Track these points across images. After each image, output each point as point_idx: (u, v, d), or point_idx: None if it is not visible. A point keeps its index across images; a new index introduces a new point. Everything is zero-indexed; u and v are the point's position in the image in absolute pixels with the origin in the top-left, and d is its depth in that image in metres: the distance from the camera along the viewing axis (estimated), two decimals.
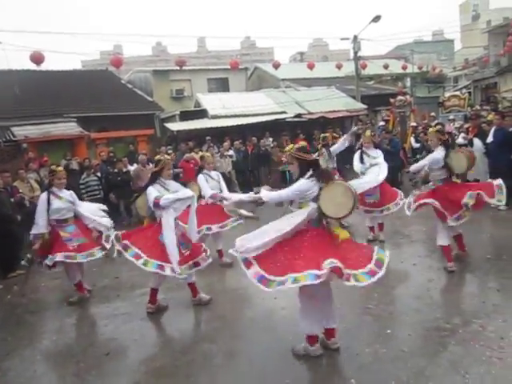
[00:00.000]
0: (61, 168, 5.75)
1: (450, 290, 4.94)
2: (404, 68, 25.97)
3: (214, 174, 6.61)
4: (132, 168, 10.92)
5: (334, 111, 18.61)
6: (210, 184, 6.41)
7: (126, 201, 10.48)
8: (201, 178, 6.32)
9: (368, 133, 7.17)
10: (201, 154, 7.03)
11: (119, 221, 10.59)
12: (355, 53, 20.80)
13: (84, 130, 14.72)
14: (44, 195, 5.50)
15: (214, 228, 6.29)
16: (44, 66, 17.49)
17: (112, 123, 16.53)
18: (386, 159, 10.87)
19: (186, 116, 17.55)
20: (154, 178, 4.82)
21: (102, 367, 3.97)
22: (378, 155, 6.86)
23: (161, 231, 4.66)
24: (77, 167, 10.99)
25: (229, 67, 18.72)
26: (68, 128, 14.50)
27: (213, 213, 6.38)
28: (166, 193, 4.71)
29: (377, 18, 18.86)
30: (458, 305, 4.56)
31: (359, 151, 7.00)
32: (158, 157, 5.13)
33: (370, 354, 3.74)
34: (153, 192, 4.67)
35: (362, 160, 6.87)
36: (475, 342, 3.77)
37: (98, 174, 10.51)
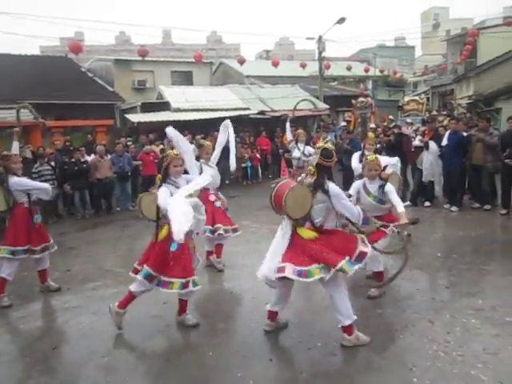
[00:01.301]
0: (15, 152, 5.39)
1: (401, 287, 5.07)
2: (366, 71, 26.54)
3: (211, 162, 5.97)
4: (89, 158, 10.61)
5: (298, 110, 18.72)
6: (210, 173, 5.63)
7: (81, 192, 10.18)
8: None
9: (372, 134, 6.94)
10: (201, 141, 6.51)
11: (73, 212, 10.29)
12: (320, 53, 21.08)
13: (39, 117, 14.10)
14: (15, 177, 5.11)
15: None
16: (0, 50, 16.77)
17: (70, 112, 15.96)
18: (346, 159, 11.22)
19: (147, 108, 17.17)
20: (164, 177, 4.17)
21: (49, 362, 3.81)
22: None
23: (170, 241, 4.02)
24: (30, 155, 10.54)
25: (193, 60, 18.49)
26: (22, 115, 13.83)
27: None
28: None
29: (341, 20, 19.20)
30: (409, 301, 4.69)
31: (360, 152, 6.50)
32: (165, 151, 4.51)
33: (321, 347, 3.79)
34: (162, 193, 3.99)
35: (361, 161, 6.33)
36: (423, 336, 3.89)
37: (52, 164, 10.12)
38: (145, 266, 4.09)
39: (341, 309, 3.75)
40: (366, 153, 6.33)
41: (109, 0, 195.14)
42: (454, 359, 3.52)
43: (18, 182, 5.09)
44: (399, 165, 6.03)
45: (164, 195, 3.93)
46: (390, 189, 4.73)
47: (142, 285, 4.11)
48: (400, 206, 4.57)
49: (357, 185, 4.98)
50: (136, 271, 4.20)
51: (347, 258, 3.62)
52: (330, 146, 3.94)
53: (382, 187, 4.77)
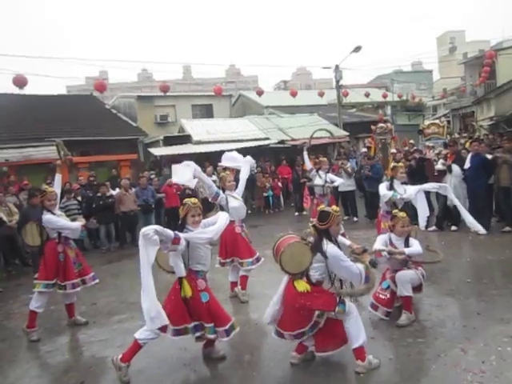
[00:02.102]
0: (51, 189, 5.45)
1: (431, 314, 4.93)
2: (384, 96, 26.64)
3: (236, 193, 6.03)
4: (114, 192, 10.83)
5: (317, 138, 18.83)
6: (236, 204, 5.92)
7: (107, 225, 10.36)
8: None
9: (401, 164, 6.81)
10: (221, 173, 6.51)
11: (99, 246, 10.44)
12: (337, 81, 21.28)
13: (68, 152, 14.56)
14: (48, 214, 5.21)
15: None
16: (28, 91, 17.54)
17: (95, 147, 16.47)
18: (368, 185, 11.17)
19: (169, 141, 17.57)
20: (182, 226, 4.06)
21: None
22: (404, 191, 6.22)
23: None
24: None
25: (213, 94, 18.93)
26: (49, 152, 14.33)
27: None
28: None
29: (357, 49, 19.44)
30: (439, 328, 4.54)
31: (388, 182, 6.48)
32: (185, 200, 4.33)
33: (350, 380, 3.68)
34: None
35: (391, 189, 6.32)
36: (457, 366, 3.75)
37: (79, 198, 10.38)
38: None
39: (351, 332, 3.78)
40: (396, 184, 6.32)
41: (131, 39, 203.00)
42: None
43: (48, 219, 5.19)
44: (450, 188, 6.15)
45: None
46: (415, 241, 4.93)
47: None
48: (408, 250, 4.79)
49: (383, 239, 5.03)
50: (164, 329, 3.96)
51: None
52: (327, 208, 4.01)
53: (407, 242, 4.93)
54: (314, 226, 3.97)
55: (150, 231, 3.59)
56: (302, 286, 3.81)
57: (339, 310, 3.75)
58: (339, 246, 3.91)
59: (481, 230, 6.02)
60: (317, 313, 3.81)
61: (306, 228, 9.98)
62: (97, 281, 5.66)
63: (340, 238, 4.20)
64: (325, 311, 3.80)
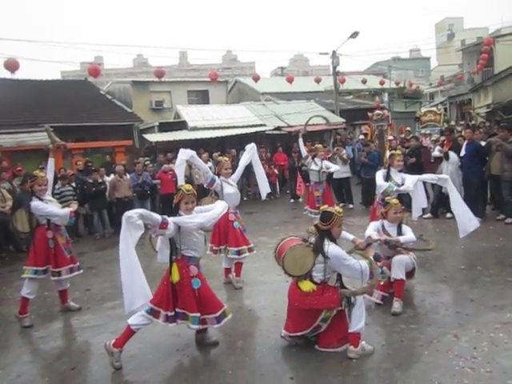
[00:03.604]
0: (42, 174, 5.35)
1: (424, 301, 4.94)
2: (382, 83, 26.46)
3: (231, 180, 5.97)
4: (108, 179, 10.75)
5: (314, 124, 18.75)
6: (230, 190, 5.87)
7: (99, 212, 10.30)
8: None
9: (399, 151, 6.69)
10: (219, 158, 6.43)
11: (93, 232, 10.39)
12: (334, 68, 21.12)
13: (60, 140, 14.44)
14: (36, 201, 5.12)
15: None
16: (23, 76, 17.32)
17: (89, 133, 16.34)
18: (364, 172, 11.13)
19: (165, 127, 17.44)
20: (175, 213, 4.02)
21: (68, 382, 3.80)
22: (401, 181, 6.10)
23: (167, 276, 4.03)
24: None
25: (209, 80, 18.74)
26: (43, 137, 14.15)
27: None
28: None
29: (355, 34, 19.29)
30: (432, 315, 4.55)
31: (385, 170, 6.42)
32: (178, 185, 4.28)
33: (344, 365, 3.69)
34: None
35: (387, 179, 6.21)
36: (449, 352, 3.76)
37: (73, 184, 10.30)
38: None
39: (353, 318, 3.79)
40: (392, 172, 6.26)
41: (126, 24, 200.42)
42: (481, 376, 3.38)
43: (35, 206, 5.11)
44: (450, 180, 5.83)
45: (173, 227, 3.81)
46: (408, 228, 4.97)
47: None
48: (403, 238, 4.81)
49: (375, 226, 5.02)
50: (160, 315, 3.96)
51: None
52: (330, 209, 3.93)
53: (399, 228, 4.95)
54: (316, 225, 3.94)
55: (134, 215, 3.54)
56: (306, 286, 3.82)
57: (345, 304, 3.79)
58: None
59: (471, 229, 5.61)
60: (321, 316, 3.82)
61: (300, 215, 10.06)
62: (81, 271, 5.58)
63: (343, 233, 4.19)
64: (332, 309, 3.81)
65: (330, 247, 3.76)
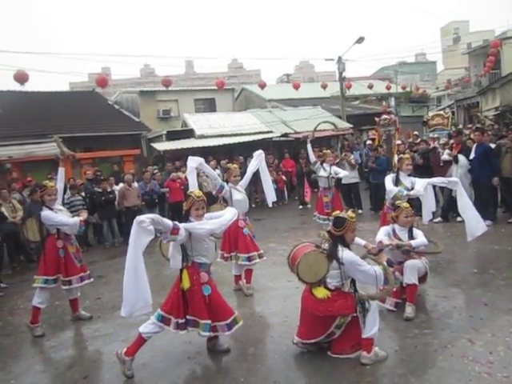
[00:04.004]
0: (52, 183, 5.40)
1: (437, 305, 4.88)
2: (388, 88, 26.43)
3: (240, 186, 5.98)
4: (117, 188, 10.81)
5: (321, 130, 18.73)
6: (239, 197, 5.86)
7: (109, 221, 10.35)
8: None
9: (407, 155, 6.62)
10: (228, 165, 6.48)
11: (102, 242, 10.43)
12: (340, 73, 21.12)
13: (69, 150, 14.58)
14: (46, 210, 5.15)
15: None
16: (32, 88, 17.54)
17: (98, 143, 16.48)
18: (373, 177, 11.09)
19: (172, 136, 17.53)
20: (185, 219, 4.00)
21: None
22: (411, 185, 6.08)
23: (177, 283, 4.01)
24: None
25: (216, 88, 18.84)
26: (52, 148, 14.31)
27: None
28: None
29: (360, 40, 19.28)
30: (446, 319, 4.49)
31: (394, 174, 6.37)
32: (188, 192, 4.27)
33: (357, 371, 3.64)
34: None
35: (396, 184, 6.17)
36: (464, 357, 3.70)
37: (83, 194, 10.37)
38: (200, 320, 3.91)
39: (367, 323, 3.74)
40: (402, 176, 6.23)
41: (133, 34, 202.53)
42: (498, 381, 3.32)
43: (45, 216, 5.15)
44: (460, 183, 5.79)
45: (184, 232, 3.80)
46: (419, 232, 4.92)
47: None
48: (415, 242, 4.75)
49: (386, 231, 4.98)
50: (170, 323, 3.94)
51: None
52: (343, 214, 3.89)
53: (410, 232, 4.90)
54: (328, 231, 3.92)
55: (145, 220, 3.54)
56: (321, 292, 3.80)
57: (360, 310, 3.76)
58: None
59: (479, 232, 5.61)
60: (336, 323, 3.79)
61: (309, 221, 9.98)
62: (92, 280, 5.61)
63: (356, 239, 4.15)
64: (347, 315, 3.78)
65: (344, 253, 3.73)
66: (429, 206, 6.19)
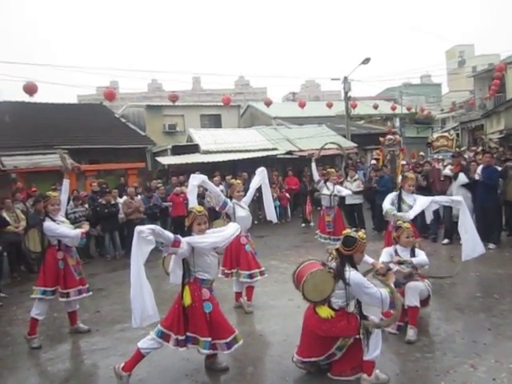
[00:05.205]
0: (55, 194, 5.40)
1: (439, 328, 4.81)
2: (393, 109, 26.55)
3: (243, 202, 5.98)
4: (121, 200, 10.83)
5: (325, 149, 18.78)
6: (242, 213, 5.87)
7: (111, 233, 10.34)
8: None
9: (412, 175, 6.64)
10: (231, 180, 6.49)
11: (104, 254, 10.40)
12: (346, 93, 21.28)
13: (74, 162, 14.67)
14: (49, 221, 5.16)
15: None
16: (40, 99, 17.71)
17: (103, 156, 16.59)
18: (379, 198, 11.03)
19: (177, 150, 17.62)
20: (188, 234, 3.98)
21: None
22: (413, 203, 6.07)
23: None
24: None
25: (222, 104, 19.00)
26: (58, 159, 14.37)
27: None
28: None
29: (366, 61, 19.48)
30: (448, 344, 4.42)
31: (396, 193, 6.38)
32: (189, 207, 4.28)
33: None
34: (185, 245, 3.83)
35: (399, 206, 6.16)
36: (466, 383, 3.63)
37: (86, 206, 10.39)
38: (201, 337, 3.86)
39: (370, 346, 3.67)
40: (404, 195, 6.24)
41: (141, 50, 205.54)
42: None
43: (47, 226, 5.15)
44: (464, 202, 5.72)
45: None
46: (421, 252, 4.94)
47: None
48: (415, 259, 4.78)
49: (389, 252, 4.96)
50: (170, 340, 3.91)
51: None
52: (354, 234, 3.80)
53: (412, 252, 4.89)
54: (337, 249, 3.86)
55: (145, 230, 3.58)
56: (325, 312, 3.73)
57: (363, 332, 3.68)
58: None
59: (475, 254, 5.60)
60: (337, 344, 3.73)
61: (312, 239, 9.91)
62: (90, 293, 5.57)
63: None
64: (349, 337, 3.72)
65: (352, 274, 3.66)
66: (429, 214, 6.18)
